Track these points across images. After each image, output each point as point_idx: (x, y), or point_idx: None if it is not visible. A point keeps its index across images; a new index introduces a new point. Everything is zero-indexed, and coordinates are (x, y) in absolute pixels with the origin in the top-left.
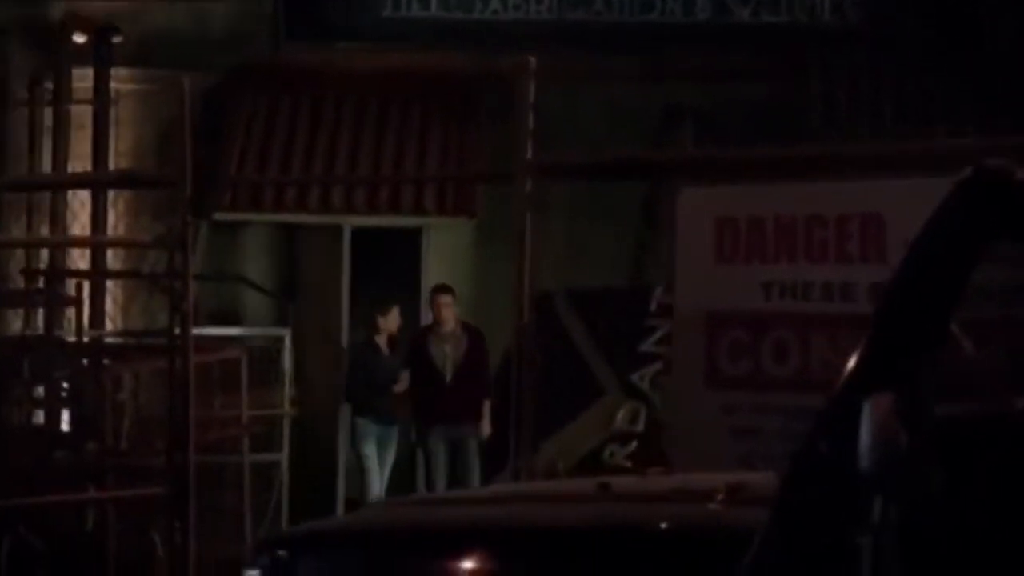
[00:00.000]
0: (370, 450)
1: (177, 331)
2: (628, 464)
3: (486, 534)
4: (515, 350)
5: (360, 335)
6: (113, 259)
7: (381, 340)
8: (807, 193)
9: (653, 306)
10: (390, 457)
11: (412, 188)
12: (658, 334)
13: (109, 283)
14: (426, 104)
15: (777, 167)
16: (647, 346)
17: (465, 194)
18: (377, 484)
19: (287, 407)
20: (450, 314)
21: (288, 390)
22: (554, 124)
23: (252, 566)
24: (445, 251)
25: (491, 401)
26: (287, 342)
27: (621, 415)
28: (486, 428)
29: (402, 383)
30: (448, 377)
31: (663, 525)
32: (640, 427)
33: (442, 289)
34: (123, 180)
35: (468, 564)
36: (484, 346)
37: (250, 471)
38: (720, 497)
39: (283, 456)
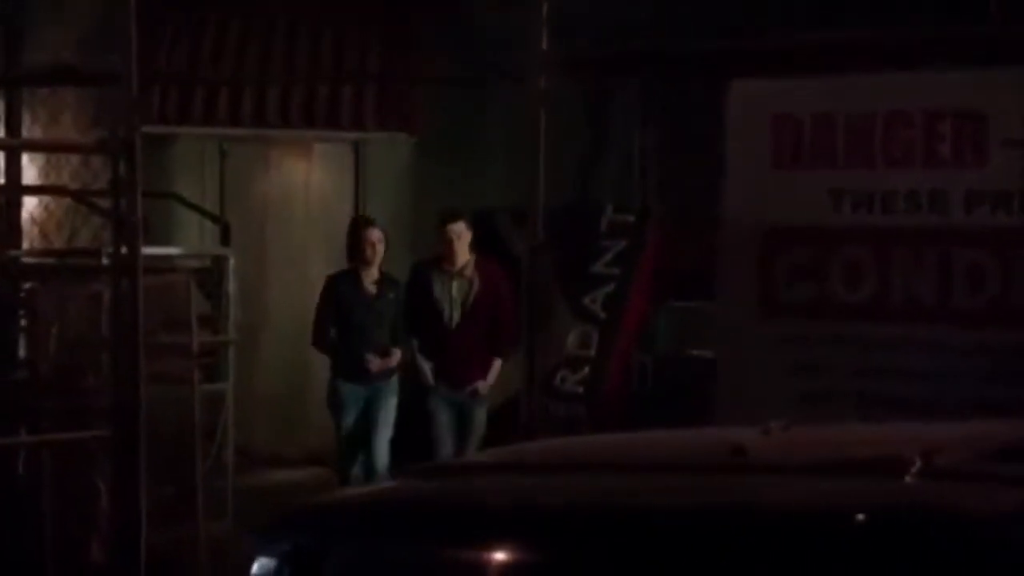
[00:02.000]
0: (350, 418)
1: (124, 250)
2: (580, 390)
3: (607, 517)
4: (526, 272)
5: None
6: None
7: (366, 275)
8: (887, 85)
9: (604, 226)
10: (383, 423)
11: (351, 102)
12: (609, 255)
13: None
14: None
15: (847, 55)
16: (598, 267)
17: (405, 108)
18: (357, 462)
19: (233, 334)
20: (462, 250)
21: (234, 315)
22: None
23: (263, 553)
24: (383, 168)
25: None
26: (232, 263)
27: (571, 339)
28: (483, 386)
29: (394, 357)
30: (453, 325)
31: (859, 516)
32: (592, 352)
33: (453, 216)
34: (59, 75)
35: (592, 559)
36: (505, 288)
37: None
38: (915, 468)
39: (229, 387)
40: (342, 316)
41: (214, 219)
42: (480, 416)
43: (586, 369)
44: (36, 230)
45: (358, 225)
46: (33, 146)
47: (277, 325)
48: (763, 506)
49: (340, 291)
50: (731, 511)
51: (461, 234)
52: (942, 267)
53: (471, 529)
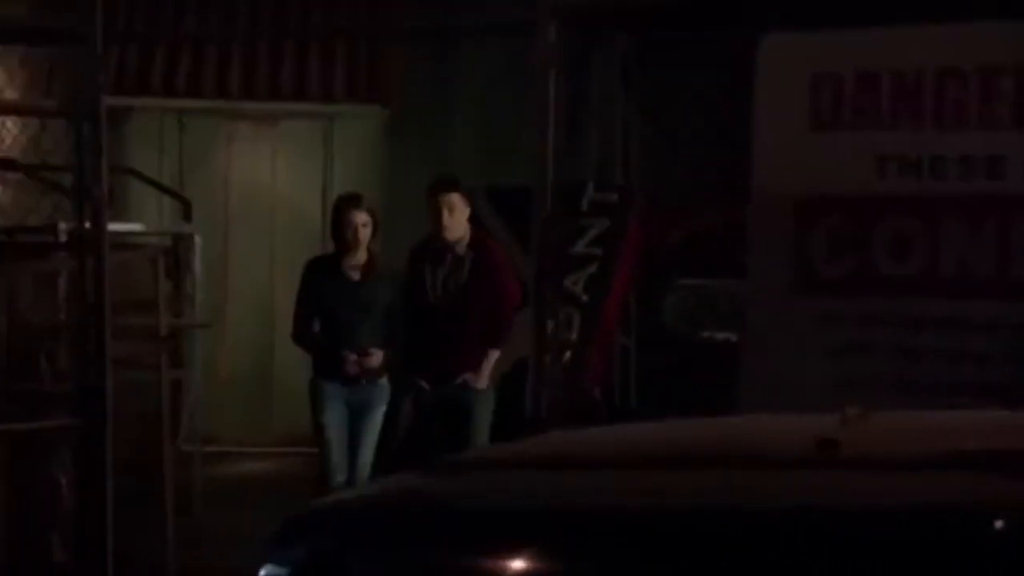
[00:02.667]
0: (332, 418)
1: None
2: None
3: (690, 520)
4: (538, 249)
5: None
6: None
7: (349, 261)
8: (938, 38)
9: (585, 204)
10: (366, 438)
11: (320, 72)
12: (591, 234)
13: None
14: None
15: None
16: (580, 248)
17: (376, 77)
18: (340, 468)
19: (200, 316)
20: (455, 224)
21: (198, 297)
22: None
23: (273, 561)
24: (352, 144)
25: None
26: (197, 240)
27: (551, 323)
28: (480, 381)
29: (374, 357)
30: (438, 307)
31: (998, 523)
32: (574, 335)
33: (446, 185)
34: (15, 34)
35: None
36: (500, 276)
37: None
38: None
39: (196, 372)
40: (322, 307)
41: (175, 196)
42: (481, 415)
43: (568, 354)
44: None
45: (341, 205)
46: None
47: (241, 307)
48: (880, 509)
49: (319, 279)
50: (842, 514)
51: (455, 206)
52: (1000, 239)
53: (520, 534)
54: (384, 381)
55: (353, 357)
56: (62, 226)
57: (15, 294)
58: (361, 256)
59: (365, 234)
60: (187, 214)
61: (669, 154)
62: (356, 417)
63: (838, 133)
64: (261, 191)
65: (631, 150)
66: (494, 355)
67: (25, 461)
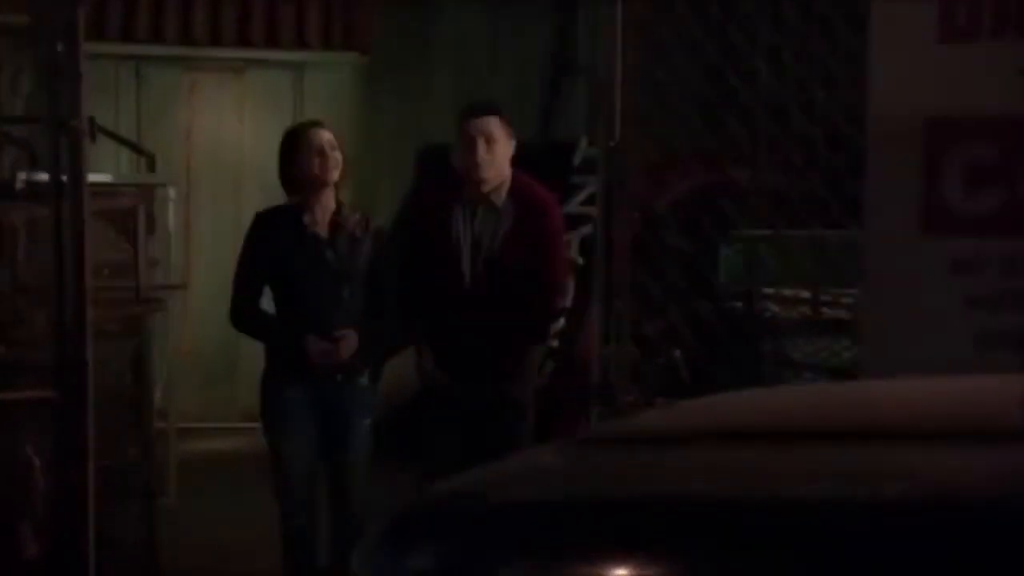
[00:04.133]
0: (295, 442)
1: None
2: (555, 343)
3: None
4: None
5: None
6: None
7: (316, 210)
8: None
9: (577, 160)
10: (352, 456)
11: (292, 17)
12: (584, 193)
13: None
14: None
15: None
16: (572, 207)
17: (352, 25)
18: (301, 514)
19: (173, 276)
20: (498, 159)
21: (173, 256)
22: None
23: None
24: (325, 94)
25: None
26: (171, 194)
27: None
28: (522, 389)
29: (347, 342)
30: (469, 281)
31: None
32: (568, 302)
33: (481, 109)
34: None
35: None
36: (555, 241)
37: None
38: None
39: (165, 341)
40: (277, 276)
41: (136, 149)
42: (518, 431)
43: (562, 321)
44: None
45: (296, 131)
46: None
47: (204, 272)
48: None
49: (273, 237)
50: None
51: (494, 136)
52: None
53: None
54: (365, 380)
55: (317, 343)
56: (21, 175)
57: None
58: (329, 199)
59: (336, 160)
60: (151, 168)
61: (660, 108)
62: (332, 434)
63: (975, 43)
64: (226, 147)
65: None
66: (536, 354)
67: None
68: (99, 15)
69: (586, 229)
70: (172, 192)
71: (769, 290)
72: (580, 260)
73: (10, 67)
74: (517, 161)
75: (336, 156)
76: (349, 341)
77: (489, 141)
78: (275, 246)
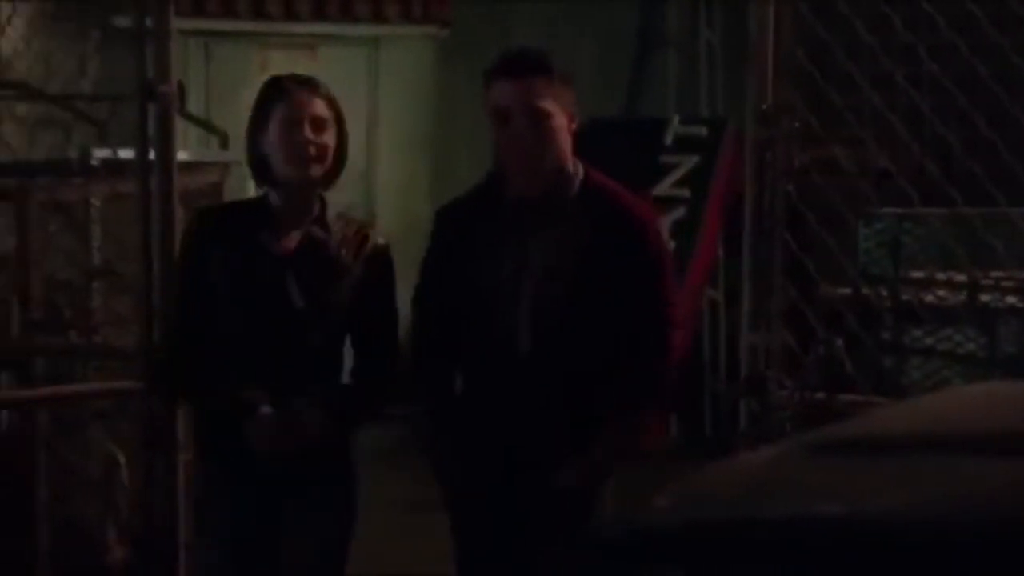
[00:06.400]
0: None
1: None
2: None
3: None
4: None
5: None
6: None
7: (276, 226)
8: None
9: (669, 140)
10: None
11: None
12: (678, 172)
13: None
14: None
15: None
16: (664, 189)
17: None
18: None
19: None
20: (557, 141)
21: None
22: None
23: None
24: (402, 70)
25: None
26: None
27: None
28: (574, 475)
29: (313, 417)
30: (521, 337)
31: None
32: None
33: (520, 65)
34: None
35: None
36: (662, 261)
37: None
38: None
39: None
40: (216, 313)
41: (207, 127)
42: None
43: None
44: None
45: (272, 88)
46: None
47: None
48: None
49: (215, 253)
50: None
51: (540, 106)
52: None
53: None
54: (343, 470)
55: (267, 413)
56: (97, 153)
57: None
58: (305, 205)
59: (329, 139)
60: (224, 146)
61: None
62: (287, 550)
63: None
64: None
65: (716, 79)
66: (634, 430)
67: (72, 434)
68: None
69: (678, 212)
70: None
71: (917, 274)
72: (672, 244)
73: (77, 49)
74: (577, 142)
75: (327, 141)
76: (312, 416)
77: (535, 115)
78: (218, 267)
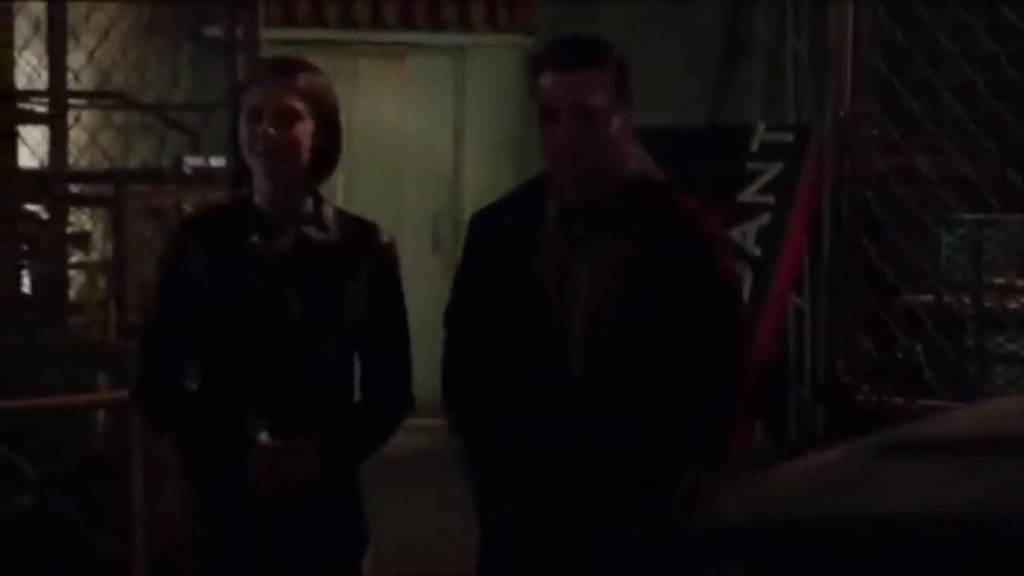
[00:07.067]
0: None
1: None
2: None
3: None
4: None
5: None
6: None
7: (268, 227)
8: None
9: (755, 146)
10: None
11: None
12: (763, 179)
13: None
14: None
15: None
16: (748, 195)
17: (518, 5)
18: None
19: None
20: (602, 142)
21: None
22: None
23: None
24: (489, 79)
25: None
26: (341, 181)
27: None
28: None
29: (317, 448)
30: (575, 360)
31: None
32: (745, 296)
33: (570, 56)
34: None
35: None
36: (722, 275)
37: None
38: None
39: None
40: (204, 330)
41: None
42: None
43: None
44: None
45: (251, 73)
46: None
47: None
48: None
49: (201, 262)
50: None
51: (591, 103)
52: None
53: None
54: (352, 508)
55: (266, 442)
56: (189, 160)
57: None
58: (295, 202)
59: (300, 133)
60: None
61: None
62: None
63: None
64: (386, 136)
65: (802, 86)
66: (698, 483)
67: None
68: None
69: (764, 219)
70: (340, 179)
71: (999, 280)
72: (757, 252)
73: (170, 59)
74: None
75: (293, 135)
76: (316, 447)
77: (584, 112)
78: (204, 274)
